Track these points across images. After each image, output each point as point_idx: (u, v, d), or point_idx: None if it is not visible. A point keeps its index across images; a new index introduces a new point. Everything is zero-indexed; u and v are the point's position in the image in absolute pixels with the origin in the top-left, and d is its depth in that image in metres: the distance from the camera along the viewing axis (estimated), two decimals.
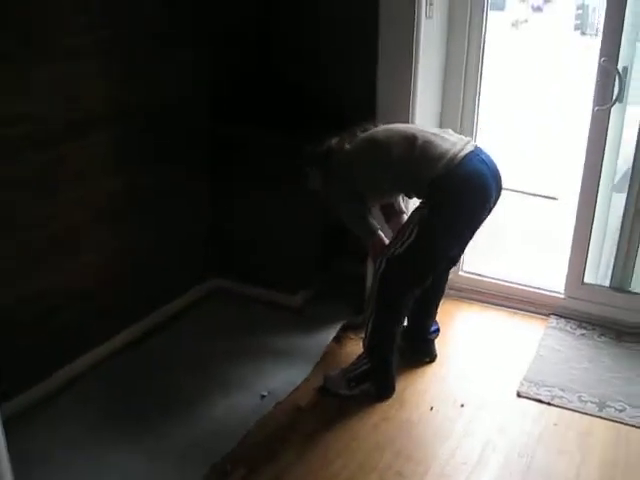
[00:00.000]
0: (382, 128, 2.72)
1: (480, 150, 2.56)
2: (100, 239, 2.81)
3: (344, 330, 3.18)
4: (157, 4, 2.83)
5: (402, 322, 2.73)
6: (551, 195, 4.88)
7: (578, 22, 10.91)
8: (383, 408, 2.71)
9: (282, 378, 2.85)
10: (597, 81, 2.93)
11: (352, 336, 3.15)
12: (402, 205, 2.85)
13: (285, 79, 3.21)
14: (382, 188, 2.72)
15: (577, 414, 2.69)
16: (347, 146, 2.69)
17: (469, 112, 3.19)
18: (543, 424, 2.65)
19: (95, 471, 2.34)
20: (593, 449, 2.52)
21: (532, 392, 2.80)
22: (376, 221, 2.76)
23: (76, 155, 2.61)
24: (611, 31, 2.85)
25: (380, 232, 2.74)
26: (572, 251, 3.23)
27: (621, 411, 2.70)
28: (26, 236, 2.49)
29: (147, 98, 2.87)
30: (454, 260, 2.88)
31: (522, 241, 4.25)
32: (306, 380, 2.85)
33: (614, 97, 2.90)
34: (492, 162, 2.57)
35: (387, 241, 2.72)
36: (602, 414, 2.69)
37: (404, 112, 2.91)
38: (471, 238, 2.67)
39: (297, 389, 2.80)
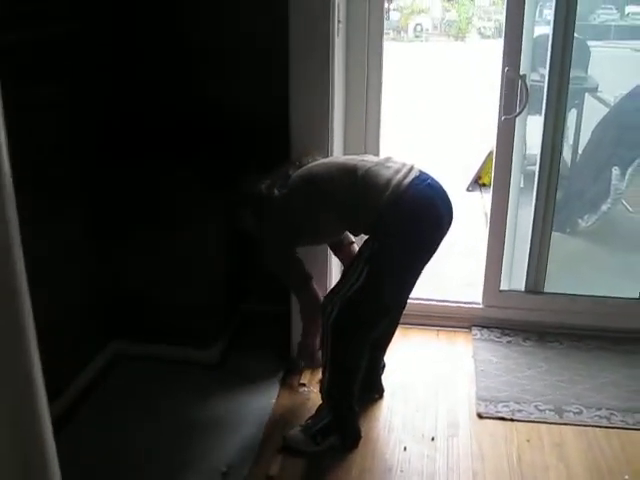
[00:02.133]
0: (319, 163, 2.52)
1: (426, 175, 2.42)
2: None
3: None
4: None
5: (362, 367, 2.52)
6: None
7: None
8: (357, 459, 2.50)
9: (236, 447, 2.53)
10: (503, 91, 2.94)
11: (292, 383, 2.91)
12: (350, 235, 2.66)
13: (181, 116, 2.89)
14: (327, 229, 2.53)
15: (543, 425, 2.67)
16: (276, 192, 2.47)
17: (373, 128, 3.06)
18: (516, 443, 2.59)
19: None
20: (572, 458, 2.50)
21: (492, 411, 2.74)
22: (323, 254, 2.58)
23: None
24: (512, 39, 2.87)
25: (312, 282, 2.56)
26: (487, 260, 3.23)
27: (579, 414, 2.72)
28: None
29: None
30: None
31: None
32: (263, 444, 2.57)
33: (520, 106, 2.92)
34: (440, 186, 2.43)
35: (318, 292, 2.57)
36: (564, 420, 2.69)
37: (323, 136, 2.71)
38: (422, 271, 2.51)
39: (257, 457, 2.51)
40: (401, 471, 2.46)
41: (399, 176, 2.35)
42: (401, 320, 2.78)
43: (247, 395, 2.82)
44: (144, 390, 2.85)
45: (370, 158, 2.52)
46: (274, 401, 2.79)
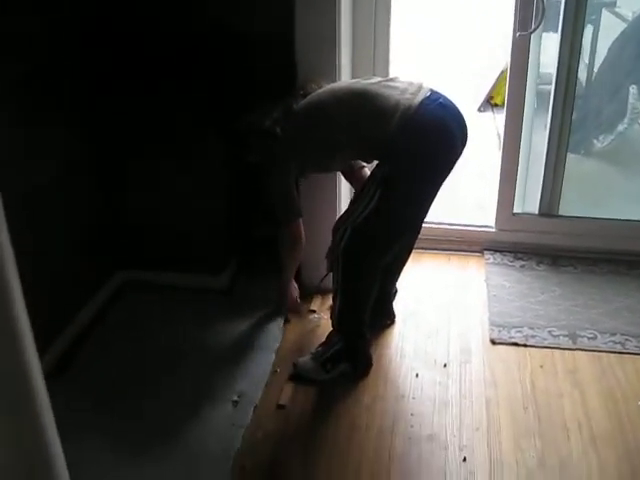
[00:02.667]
0: (325, 89, 2.42)
1: (437, 94, 2.32)
2: None
3: None
4: None
5: (374, 293, 2.48)
6: None
7: None
8: (368, 386, 2.48)
9: (246, 375, 2.51)
10: (518, 5, 2.79)
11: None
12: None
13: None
14: (335, 156, 2.44)
15: (556, 351, 2.64)
16: (282, 124, 2.39)
17: (382, 48, 2.90)
18: (530, 369, 2.56)
19: None
20: (586, 384, 2.47)
21: (505, 337, 2.70)
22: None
23: None
24: None
25: (301, 221, 2.52)
26: (500, 182, 3.13)
27: (593, 339, 2.68)
28: None
29: None
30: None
31: None
32: (273, 372, 2.55)
33: (536, 22, 2.77)
34: (452, 105, 2.34)
35: (303, 233, 2.53)
36: (578, 346, 2.65)
37: (330, 57, 2.58)
38: (436, 194, 2.43)
39: (268, 385, 2.49)
40: (413, 398, 2.44)
41: (407, 96, 2.26)
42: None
43: (257, 322, 2.78)
44: (153, 318, 2.81)
45: (377, 79, 2.41)
46: (284, 328, 2.76)
